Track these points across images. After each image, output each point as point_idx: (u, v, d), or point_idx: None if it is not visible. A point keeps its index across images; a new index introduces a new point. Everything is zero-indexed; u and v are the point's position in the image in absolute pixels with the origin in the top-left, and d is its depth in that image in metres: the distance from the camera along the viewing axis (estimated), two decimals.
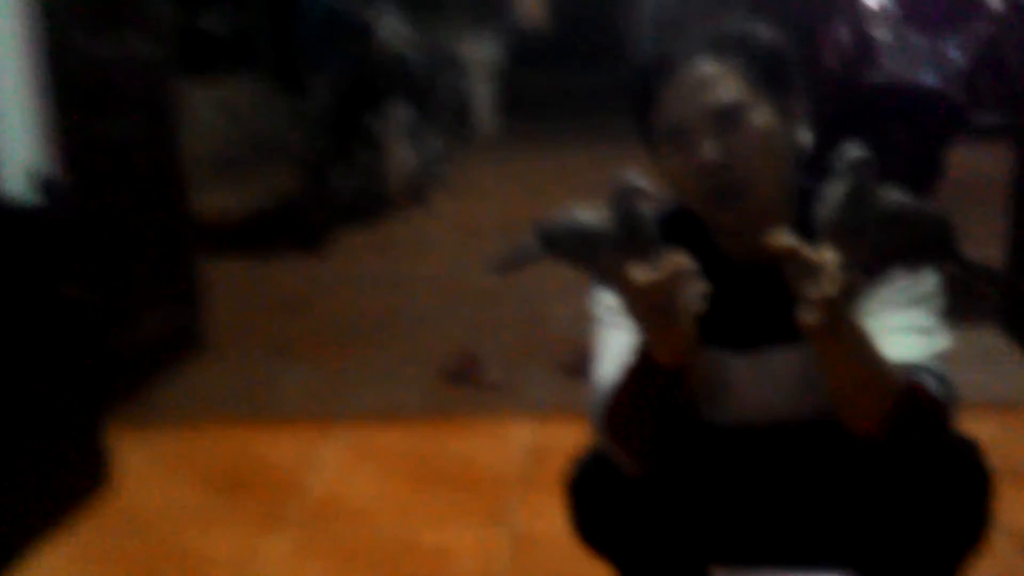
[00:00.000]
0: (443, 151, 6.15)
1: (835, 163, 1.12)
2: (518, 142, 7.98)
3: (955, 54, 3.41)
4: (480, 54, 8.11)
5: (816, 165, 3.79)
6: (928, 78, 3.33)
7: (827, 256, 1.10)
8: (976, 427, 2.47)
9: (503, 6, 9.30)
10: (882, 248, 1.10)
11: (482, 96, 8.39)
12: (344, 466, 2.48)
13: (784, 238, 1.12)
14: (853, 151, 1.11)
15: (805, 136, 1.36)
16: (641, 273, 1.14)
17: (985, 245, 3.44)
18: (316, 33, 5.27)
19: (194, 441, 2.65)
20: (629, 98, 1.37)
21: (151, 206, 3.06)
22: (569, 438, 1.38)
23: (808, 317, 1.10)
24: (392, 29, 5.27)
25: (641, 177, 1.18)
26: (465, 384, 2.94)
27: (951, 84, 3.34)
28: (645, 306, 1.17)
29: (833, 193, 1.12)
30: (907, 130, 3.41)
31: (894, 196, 1.12)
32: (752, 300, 1.33)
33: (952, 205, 4.18)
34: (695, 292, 1.16)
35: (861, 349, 1.18)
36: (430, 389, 2.93)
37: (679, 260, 1.15)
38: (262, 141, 7.95)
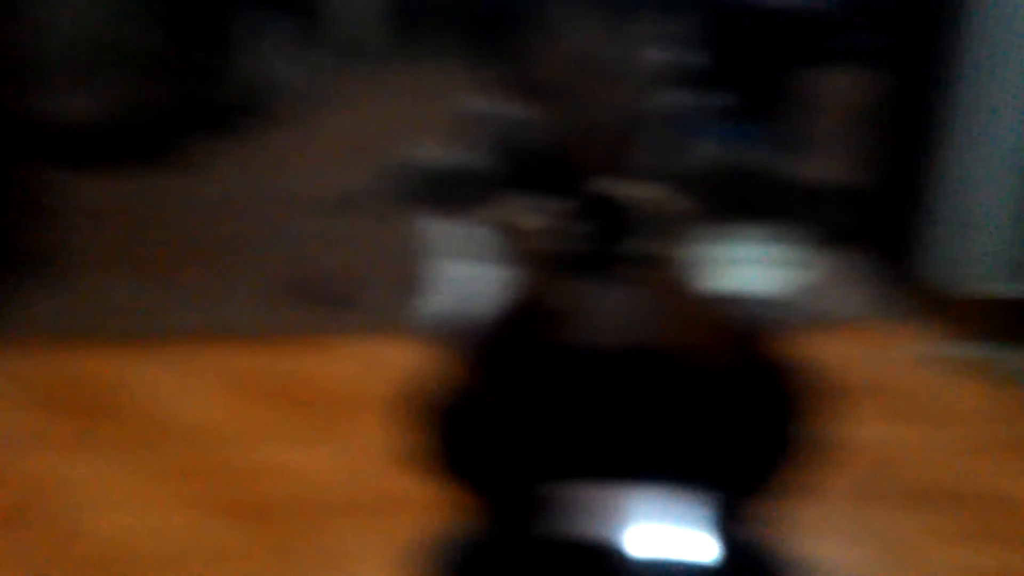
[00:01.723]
0: (316, 60, 5.97)
1: (663, 108, 1.16)
2: (399, 53, 7.80)
3: None
4: None
5: (698, 87, 3.83)
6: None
7: (659, 205, 1.14)
8: (834, 344, 2.60)
9: None
10: (711, 200, 1.15)
11: (360, 2, 8.17)
12: (177, 386, 2.43)
13: (618, 186, 1.15)
14: (679, 98, 1.16)
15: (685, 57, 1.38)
16: (525, 217, 1.17)
17: (846, 167, 3.56)
18: None
19: (38, 364, 2.56)
20: (479, 38, 1.35)
21: None
22: (413, 355, 1.37)
23: (631, 269, 1.15)
24: None
25: (490, 103, 1.19)
26: (310, 301, 2.90)
27: (819, 6, 3.38)
28: (529, 249, 1.19)
29: (662, 140, 1.15)
30: (775, 51, 3.44)
31: (724, 150, 1.18)
32: (603, 224, 1.36)
33: (813, 127, 4.31)
34: (577, 235, 1.17)
35: (694, 293, 1.23)
36: (272, 306, 2.88)
37: (560, 203, 1.17)
38: (118, 44, 7.62)
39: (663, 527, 1.62)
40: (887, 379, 2.40)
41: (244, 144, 4.94)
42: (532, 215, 1.17)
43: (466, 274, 1.33)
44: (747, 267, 1.31)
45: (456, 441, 1.44)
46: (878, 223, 2.92)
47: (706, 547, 1.56)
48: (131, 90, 5.31)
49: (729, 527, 1.55)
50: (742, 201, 1.20)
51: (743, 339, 1.27)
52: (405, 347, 2.54)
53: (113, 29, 7.11)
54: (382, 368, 2.49)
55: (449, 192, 1.20)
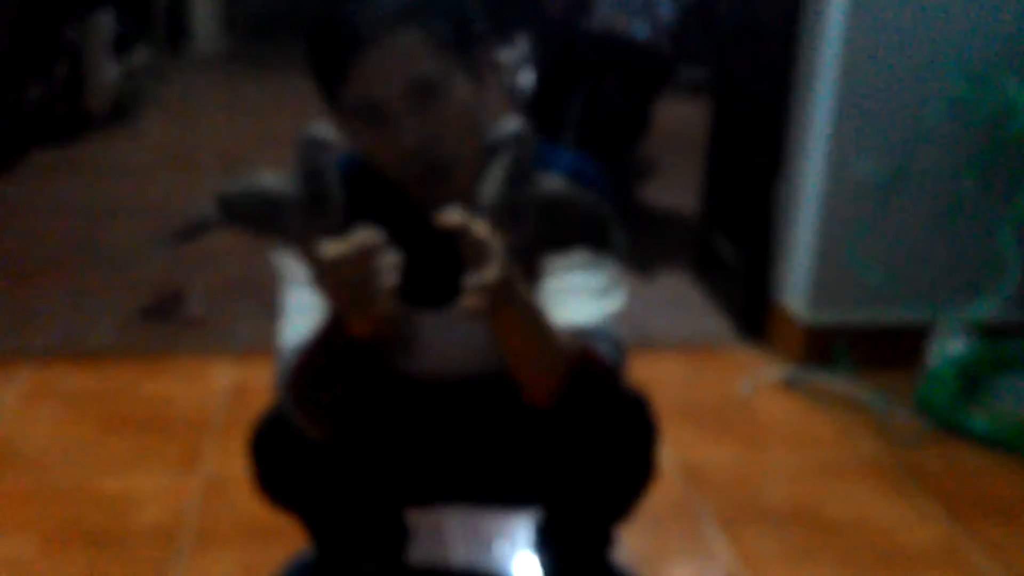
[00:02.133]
0: (154, 67, 5.81)
1: (494, 138, 1.12)
2: (243, 63, 7.66)
3: (666, 7, 3.60)
4: None
5: (538, 109, 3.90)
6: (640, 31, 3.50)
7: (492, 238, 1.11)
8: (664, 367, 2.71)
9: None
10: (537, 233, 1.13)
11: (204, 9, 7.98)
12: (22, 407, 2.34)
13: (454, 217, 1.11)
14: (511, 126, 1.11)
15: (523, 81, 1.37)
16: (332, 248, 1.11)
17: (685, 195, 3.73)
18: None
19: None
20: (311, 60, 1.30)
21: None
22: (271, 379, 1.36)
23: (469, 301, 1.10)
24: None
25: (326, 128, 1.15)
26: (164, 320, 2.84)
27: (660, 38, 3.53)
28: (336, 280, 1.13)
29: (491, 172, 1.12)
30: (618, 81, 3.57)
31: (553, 181, 1.14)
32: (442, 254, 1.31)
33: (658, 156, 4.46)
34: (389, 265, 1.13)
35: (528, 328, 1.21)
36: (125, 325, 2.80)
37: (371, 234, 1.11)
38: None
39: (494, 547, 1.63)
40: (736, 403, 2.49)
41: (83, 153, 4.77)
42: (343, 243, 1.10)
43: (315, 300, 1.28)
44: (575, 295, 1.31)
45: (276, 467, 1.44)
46: (727, 249, 3.02)
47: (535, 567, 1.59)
48: None
49: (569, 547, 1.60)
50: (573, 230, 1.18)
51: (576, 366, 1.25)
52: (249, 368, 2.54)
53: None
54: (230, 390, 2.47)
55: (273, 217, 1.15)
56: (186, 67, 7.05)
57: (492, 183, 1.12)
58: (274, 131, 5.33)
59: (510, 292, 1.14)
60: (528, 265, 1.21)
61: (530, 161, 1.13)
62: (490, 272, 1.10)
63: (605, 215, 1.18)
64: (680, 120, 4.65)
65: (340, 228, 1.13)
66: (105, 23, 4.98)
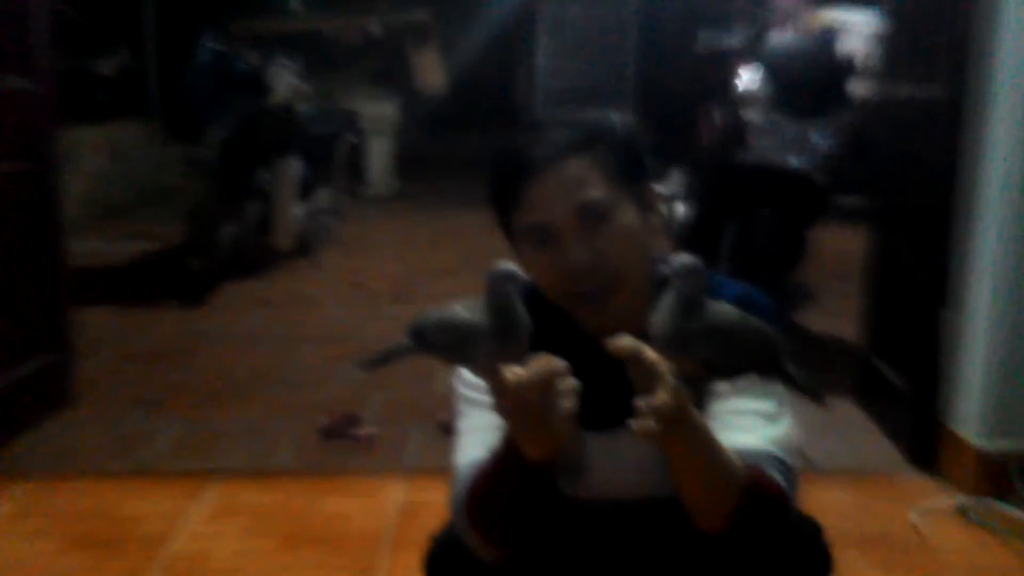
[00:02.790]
0: (335, 207, 6.14)
1: (667, 271, 1.14)
2: (411, 203, 8.02)
3: (820, 139, 3.59)
4: (377, 113, 8.16)
5: (694, 240, 3.93)
6: (795, 161, 3.50)
7: (664, 364, 1.11)
8: (832, 494, 2.60)
9: (403, 69, 9.40)
10: (709, 361, 1.12)
11: (377, 155, 8.42)
12: (211, 523, 2.43)
13: (625, 342, 1.12)
14: (683, 260, 1.12)
15: (679, 213, 1.38)
16: (516, 373, 1.13)
17: (846, 321, 3.64)
18: (206, 79, 5.21)
19: (60, 496, 2.57)
20: (490, 190, 1.36)
21: (25, 250, 2.99)
22: (442, 498, 1.38)
23: (639, 426, 1.10)
24: (284, 81, 5.25)
25: (513, 264, 1.19)
26: (341, 440, 2.93)
27: (816, 167, 3.52)
28: (517, 405, 1.15)
29: (663, 303, 1.13)
30: (775, 210, 3.56)
31: (724, 310, 1.14)
32: (610, 378, 1.29)
33: (817, 282, 4.39)
34: (568, 391, 1.14)
35: (699, 452, 1.19)
36: (305, 446, 2.90)
37: (552, 361, 1.13)
38: (148, 187, 7.82)
39: None
40: (908, 533, 2.37)
41: (270, 287, 5.05)
42: (526, 368, 1.12)
43: (491, 421, 1.29)
44: (745, 419, 1.29)
45: None
46: (893, 376, 2.92)
47: None
48: (170, 233, 5.43)
49: None
50: (746, 357, 1.16)
51: (748, 491, 1.22)
52: (419, 486, 2.57)
53: (155, 175, 7.31)
54: (401, 507, 2.51)
55: (464, 345, 1.17)
56: (362, 207, 7.42)
57: (663, 313, 1.13)
58: (440, 263, 5.53)
59: (682, 417, 1.13)
60: (700, 391, 1.19)
61: (702, 293, 1.13)
62: (661, 397, 1.10)
63: (778, 341, 1.17)
64: (839, 248, 4.58)
65: (526, 357, 1.15)
66: (291, 167, 5.31)
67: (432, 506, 2.39)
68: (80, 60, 7.29)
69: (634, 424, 1.11)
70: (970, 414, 2.56)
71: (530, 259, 1.33)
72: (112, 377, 3.52)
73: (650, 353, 1.12)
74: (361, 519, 2.44)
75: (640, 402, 1.10)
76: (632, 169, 1.34)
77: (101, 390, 3.36)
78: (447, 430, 2.92)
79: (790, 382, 1.20)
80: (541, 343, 1.19)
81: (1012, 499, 2.44)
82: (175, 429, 3.02)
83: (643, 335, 1.15)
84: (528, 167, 1.30)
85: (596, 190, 1.28)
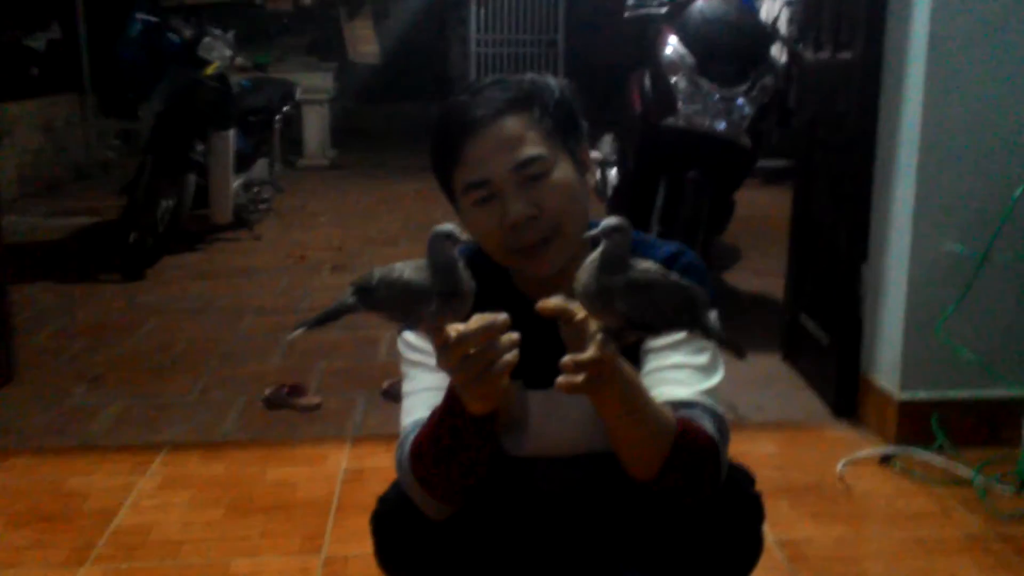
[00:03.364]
0: (272, 179, 6.02)
1: (597, 232, 1.14)
2: (348, 172, 7.91)
3: (744, 104, 3.59)
4: (312, 84, 8.01)
5: (625, 203, 3.91)
6: (721, 125, 3.50)
7: (590, 320, 1.13)
8: (758, 444, 2.63)
9: (336, 39, 9.23)
10: (631, 315, 1.12)
11: (313, 125, 8.28)
12: (157, 496, 2.37)
13: (553, 301, 1.14)
14: (609, 220, 1.13)
15: (609, 176, 1.38)
16: (454, 328, 1.14)
17: (769, 276, 3.67)
18: (138, 52, 5.05)
19: (3, 473, 2.49)
20: (431, 151, 1.36)
21: None
22: (387, 462, 1.36)
23: (564, 380, 1.12)
24: (218, 52, 5.10)
25: (453, 225, 1.18)
26: (285, 410, 2.88)
27: (740, 131, 3.51)
28: (460, 359, 1.15)
29: (588, 261, 1.14)
30: (703, 173, 3.56)
31: (645, 267, 1.15)
32: (548, 338, 1.31)
33: (742, 241, 4.42)
34: (508, 344, 1.15)
35: (630, 403, 1.20)
36: (249, 416, 2.85)
37: (492, 314, 1.14)
38: (84, 162, 7.59)
39: None
40: (833, 481, 2.40)
41: (209, 259, 4.94)
42: (468, 322, 1.13)
43: (436, 381, 1.30)
44: (676, 372, 1.31)
45: (396, 544, 1.41)
46: (816, 330, 2.95)
47: None
48: (106, 206, 5.27)
49: None
50: (667, 310, 1.16)
51: (679, 441, 1.23)
52: (364, 452, 2.54)
53: (89, 149, 7.09)
54: (347, 473, 2.48)
55: (409, 304, 1.16)
56: (299, 178, 7.30)
57: (588, 270, 1.14)
58: (379, 232, 5.46)
59: (608, 371, 1.14)
60: (629, 346, 1.19)
61: (624, 250, 1.14)
62: (587, 352, 1.11)
63: (697, 295, 1.17)
64: (765, 209, 4.62)
65: (469, 314, 1.16)
66: (229, 141, 5.18)
67: (377, 472, 2.37)
68: (11, 35, 7.02)
69: (560, 379, 1.12)
70: (890, 366, 2.60)
71: (472, 217, 1.33)
72: (53, 353, 3.42)
73: (578, 310, 1.14)
74: (307, 487, 2.40)
75: (566, 358, 1.12)
76: (568, 128, 1.35)
77: (43, 366, 3.26)
78: (391, 397, 2.91)
79: (710, 335, 1.21)
80: (482, 304, 1.18)
81: (931, 446, 2.49)
82: (118, 403, 2.94)
83: (573, 294, 1.16)
84: (468, 126, 1.31)
85: (534, 147, 1.30)
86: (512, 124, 1.30)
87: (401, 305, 1.17)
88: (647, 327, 1.18)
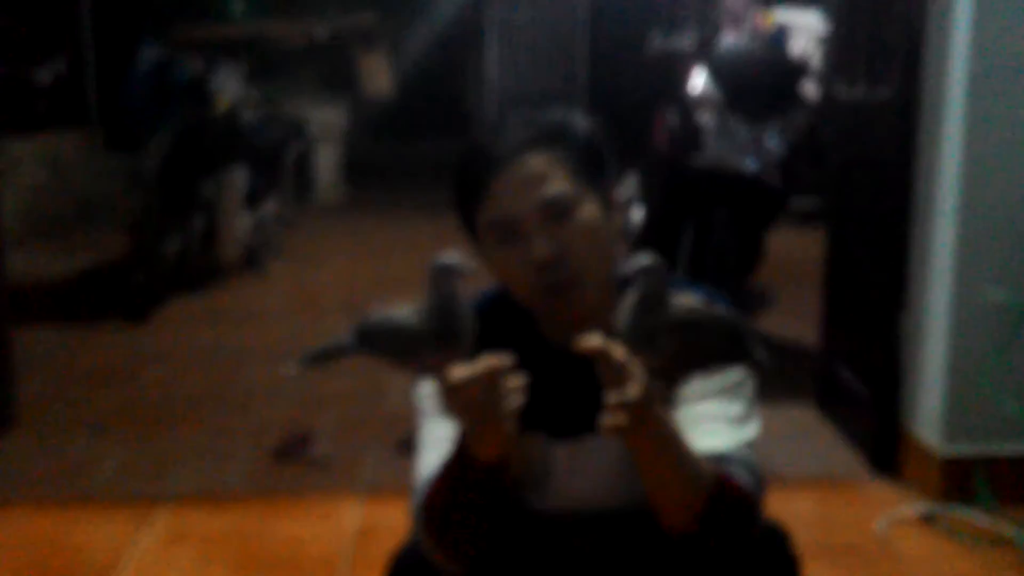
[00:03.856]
0: (282, 217, 6.05)
1: (628, 272, 1.15)
2: (360, 210, 7.95)
3: (773, 141, 3.61)
4: (325, 119, 8.09)
5: (650, 244, 3.93)
6: (749, 163, 3.51)
7: (632, 360, 1.12)
8: (793, 501, 2.60)
9: (350, 74, 9.33)
10: (676, 354, 1.13)
11: (325, 162, 8.34)
12: (161, 551, 2.37)
13: (593, 340, 1.13)
14: (643, 260, 1.14)
15: (633, 217, 1.38)
16: (457, 371, 1.13)
17: (803, 322, 3.65)
18: (147, 87, 5.11)
19: (2, 525, 2.49)
20: (455, 188, 1.37)
21: None
22: (400, 517, 1.35)
23: (609, 421, 1.11)
24: (228, 88, 5.16)
25: (456, 256, 1.18)
26: (294, 461, 2.87)
27: (770, 170, 3.53)
28: (463, 403, 1.15)
29: (626, 301, 1.14)
30: (731, 213, 3.57)
31: (686, 302, 1.15)
32: (574, 388, 1.32)
33: (773, 285, 4.40)
34: (514, 388, 1.15)
35: (668, 449, 1.20)
36: (257, 467, 2.84)
37: (496, 357, 1.14)
38: (89, 199, 7.66)
39: None
40: (873, 540, 2.37)
41: (216, 301, 4.96)
42: (469, 369, 1.13)
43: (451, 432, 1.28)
44: (711, 423, 1.30)
45: None
46: (852, 380, 2.93)
47: None
48: (112, 247, 5.31)
49: None
50: (712, 344, 1.17)
51: (715, 492, 1.22)
52: (376, 506, 2.53)
53: (95, 187, 7.17)
54: (358, 529, 2.46)
55: (406, 346, 1.17)
56: (310, 216, 7.34)
57: (628, 310, 1.14)
58: (392, 273, 5.47)
59: (650, 413, 1.14)
60: (669, 388, 1.19)
61: (663, 288, 1.14)
62: (631, 390, 1.11)
63: (742, 327, 1.18)
64: (796, 251, 4.60)
65: (471, 356, 1.15)
66: (237, 176, 5.22)
67: (391, 527, 2.34)
68: (16, 69, 7.13)
69: (604, 419, 1.11)
70: (931, 418, 2.57)
71: (496, 257, 1.33)
72: (55, 399, 3.43)
73: (618, 350, 1.13)
74: (317, 542, 2.39)
75: (610, 397, 1.11)
76: (595, 167, 1.35)
77: (43, 413, 3.27)
78: (405, 448, 2.89)
79: (757, 367, 1.20)
80: (500, 347, 1.17)
81: (975, 504, 2.45)
82: (121, 453, 2.94)
83: (608, 335, 1.15)
84: (492, 162, 1.31)
85: (559, 185, 1.30)
86: (537, 162, 1.30)
87: (398, 348, 1.17)
88: (693, 364, 1.18)
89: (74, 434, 3.09)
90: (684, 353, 1.14)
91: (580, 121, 1.38)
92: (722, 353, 1.17)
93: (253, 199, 5.51)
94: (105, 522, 2.50)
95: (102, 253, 5.82)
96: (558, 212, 1.30)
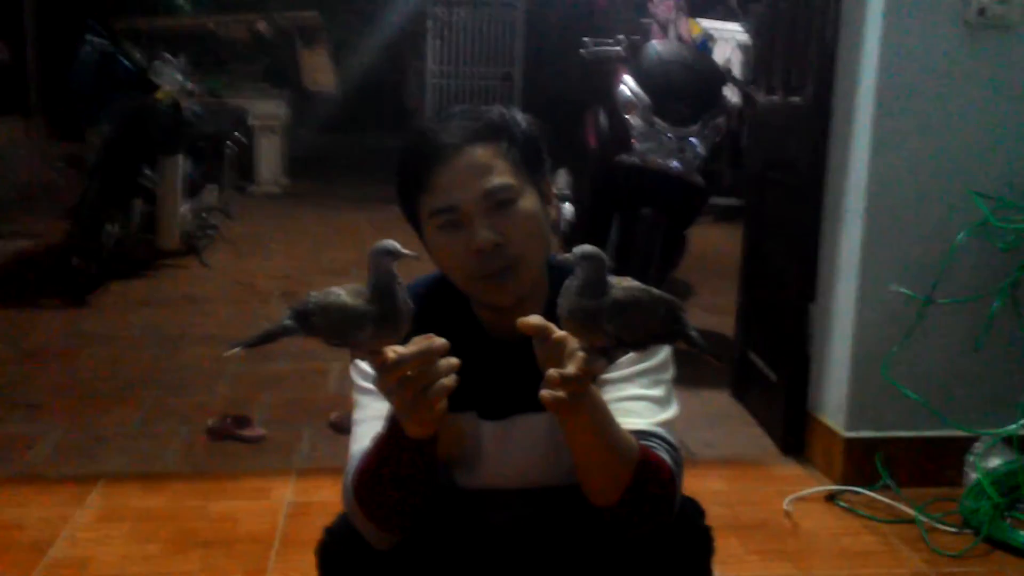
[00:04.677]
0: (223, 206, 5.97)
1: (570, 260, 1.17)
2: (300, 201, 7.88)
3: (697, 143, 3.65)
4: (266, 111, 7.99)
5: (580, 238, 3.95)
6: (674, 163, 3.55)
7: (570, 339, 1.14)
8: (708, 480, 2.65)
9: (292, 68, 9.23)
10: (617, 333, 1.14)
11: (266, 153, 8.25)
12: (96, 528, 2.33)
13: (534, 320, 1.15)
14: (584, 248, 1.16)
15: (565, 212, 1.40)
16: (393, 350, 1.14)
17: (723, 314, 3.72)
18: (89, 76, 5.00)
19: None
20: (399, 177, 1.37)
21: None
22: (332, 495, 1.34)
23: (549, 395, 1.12)
24: (170, 78, 5.07)
25: (393, 242, 1.19)
26: (229, 441, 2.84)
27: (692, 170, 3.57)
28: (397, 381, 1.16)
29: (568, 287, 1.16)
30: (656, 210, 3.61)
31: (626, 285, 1.17)
32: (505, 371, 1.34)
33: (695, 279, 4.46)
34: (447, 368, 1.15)
35: (601, 424, 1.22)
36: (192, 448, 2.81)
37: (431, 338, 1.15)
38: (29, 185, 7.48)
39: None
40: (781, 518, 2.43)
41: (155, 286, 4.88)
42: (405, 348, 1.13)
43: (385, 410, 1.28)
44: (634, 404, 1.32)
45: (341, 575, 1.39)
46: (765, 368, 2.99)
47: None
48: (52, 231, 5.19)
49: None
50: (653, 321, 1.17)
51: (640, 469, 1.24)
52: (310, 485, 2.52)
53: (36, 173, 6.99)
54: (292, 507, 2.45)
55: (346, 327, 1.16)
56: (250, 206, 7.25)
57: (570, 295, 1.16)
58: (330, 262, 5.44)
59: (587, 388, 1.16)
60: (606, 365, 1.20)
61: (602, 275, 1.16)
62: (571, 366, 1.12)
63: (678, 307, 1.20)
64: (716, 247, 4.68)
65: (407, 338, 1.16)
66: (177, 165, 5.14)
67: (323, 505, 2.34)
68: None
69: (544, 393, 1.13)
70: (837, 404, 2.64)
71: (437, 243, 1.35)
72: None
73: (557, 330, 1.15)
74: (250, 521, 2.37)
75: (552, 371, 1.12)
76: (533, 162, 1.38)
77: None
78: (339, 429, 2.89)
79: (693, 343, 1.22)
80: (441, 334, 1.18)
81: (876, 484, 2.53)
82: (58, 432, 2.89)
83: (555, 317, 1.17)
84: (437, 152, 1.33)
85: (502, 176, 1.32)
86: (482, 152, 1.32)
87: (337, 329, 1.17)
88: (633, 342, 1.19)
89: (10, 414, 3.03)
90: (625, 331, 1.15)
91: (520, 117, 1.40)
92: (662, 330, 1.19)
93: (194, 188, 5.43)
94: (42, 500, 2.45)
95: (43, 238, 5.70)
96: (500, 202, 1.31)
